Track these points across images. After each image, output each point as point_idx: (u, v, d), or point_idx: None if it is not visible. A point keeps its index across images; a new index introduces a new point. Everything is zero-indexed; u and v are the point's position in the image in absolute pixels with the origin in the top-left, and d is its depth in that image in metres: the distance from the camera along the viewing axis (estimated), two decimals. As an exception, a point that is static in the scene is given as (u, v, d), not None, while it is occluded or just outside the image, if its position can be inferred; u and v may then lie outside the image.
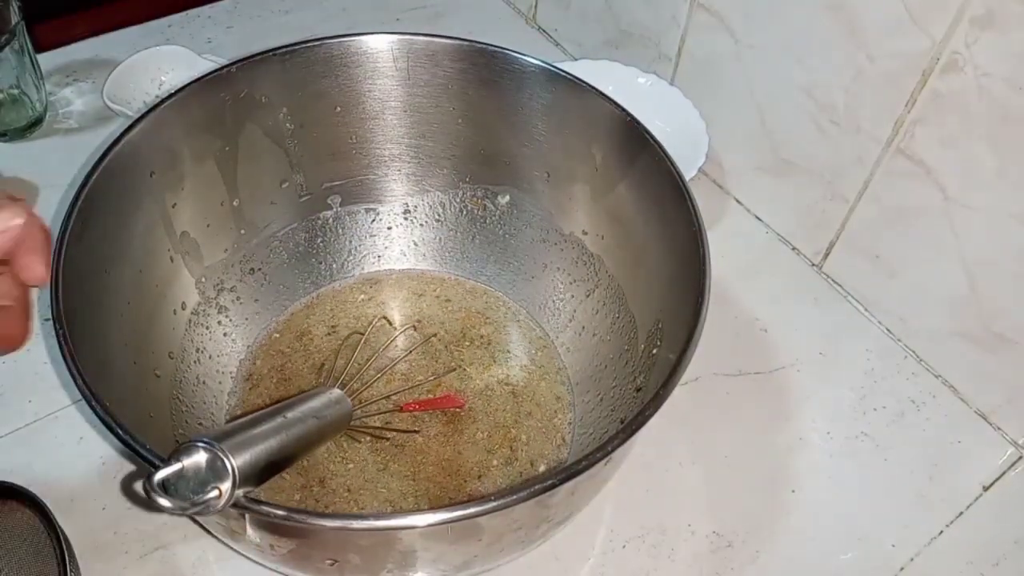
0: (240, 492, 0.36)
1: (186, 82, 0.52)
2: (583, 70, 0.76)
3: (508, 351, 0.60)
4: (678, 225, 0.49)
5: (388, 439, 0.55)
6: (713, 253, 0.47)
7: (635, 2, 0.75)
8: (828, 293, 0.68)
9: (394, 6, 0.90)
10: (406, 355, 0.60)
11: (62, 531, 0.46)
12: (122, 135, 0.49)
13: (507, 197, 0.61)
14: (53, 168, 0.70)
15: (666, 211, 0.51)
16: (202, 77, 0.53)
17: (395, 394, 0.58)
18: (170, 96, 0.51)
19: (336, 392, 0.51)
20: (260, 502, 0.36)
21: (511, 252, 0.63)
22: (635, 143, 0.52)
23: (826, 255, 0.68)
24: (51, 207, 0.66)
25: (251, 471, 0.37)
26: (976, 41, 0.51)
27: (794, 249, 0.70)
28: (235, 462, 0.36)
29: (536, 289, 0.62)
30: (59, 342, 0.41)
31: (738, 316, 0.65)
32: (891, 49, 0.56)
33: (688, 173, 0.67)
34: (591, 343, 0.58)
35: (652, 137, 0.51)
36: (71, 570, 0.45)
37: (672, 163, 0.50)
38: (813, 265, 0.69)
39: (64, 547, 0.45)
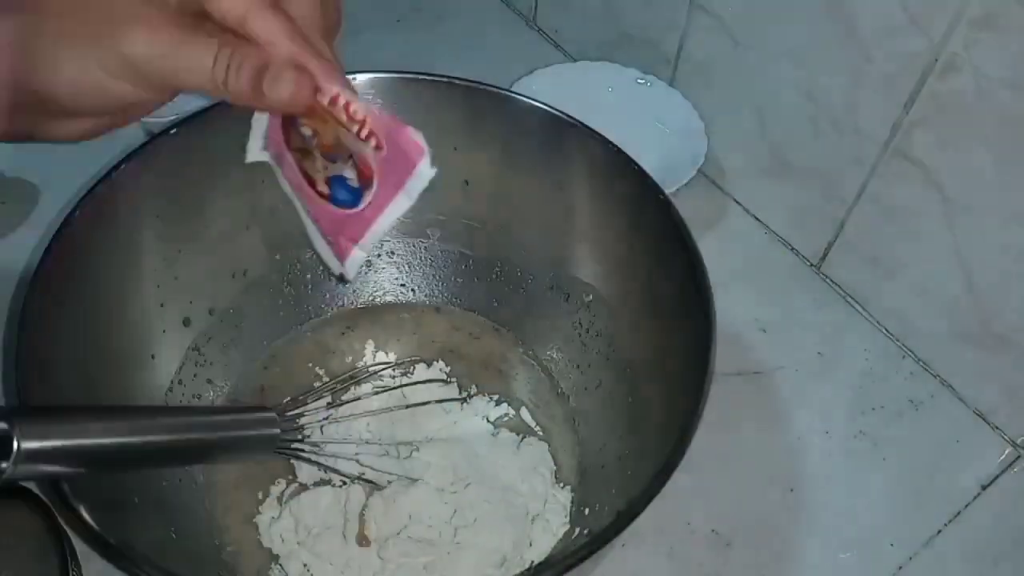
0: (26, 469, 0.35)
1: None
2: (583, 71, 0.77)
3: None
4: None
5: (321, 467, 0.54)
6: (712, 254, 0.47)
7: (635, 3, 0.76)
8: (827, 293, 0.68)
9: (394, 7, 0.90)
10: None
11: (65, 530, 0.46)
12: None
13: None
14: (54, 169, 0.70)
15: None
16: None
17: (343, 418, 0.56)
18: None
19: (267, 414, 0.50)
20: None
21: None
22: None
23: (825, 256, 0.68)
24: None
25: (62, 456, 0.37)
26: (975, 42, 0.51)
27: (793, 250, 0.71)
28: (27, 444, 0.35)
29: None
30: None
31: (737, 316, 0.65)
32: (890, 50, 0.56)
33: (687, 174, 0.67)
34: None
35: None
36: (72, 568, 0.45)
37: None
38: (812, 266, 0.69)
39: (66, 546, 0.45)
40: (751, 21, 0.65)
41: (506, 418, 0.58)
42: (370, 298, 0.64)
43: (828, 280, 0.69)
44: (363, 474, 0.54)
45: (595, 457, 0.55)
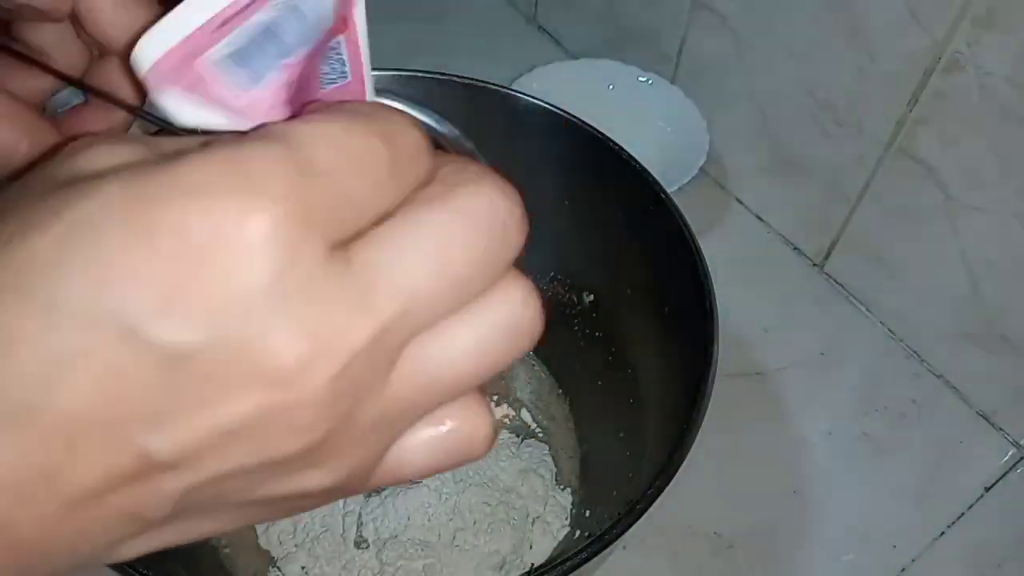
0: None
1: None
2: (584, 69, 0.77)
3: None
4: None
5: None
6: (714, 253, 0.47)
7: (636, 1, 0.75)
8: (829, 293, 0.68)
9: (393, 6, 0.90)
10: None
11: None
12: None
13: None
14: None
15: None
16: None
17: None
18: None
19: None
20: None
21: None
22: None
23: (827, 255, 0.68)
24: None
25: None
26: (978, 40, 0.51)
27: (795, 249, 0.70)
28: None
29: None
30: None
31: (739, 316, 0.65)
32: (893, 49, 0.56)
33: (689, 173, 0.67)
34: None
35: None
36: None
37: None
38: (814, 265, 0.69)
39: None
40: (753, 18, 0.65)
41: (506, 419, 0.58)
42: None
43: (831, 279, 0.68)
44: None
45: (596, 459, 0.55)
